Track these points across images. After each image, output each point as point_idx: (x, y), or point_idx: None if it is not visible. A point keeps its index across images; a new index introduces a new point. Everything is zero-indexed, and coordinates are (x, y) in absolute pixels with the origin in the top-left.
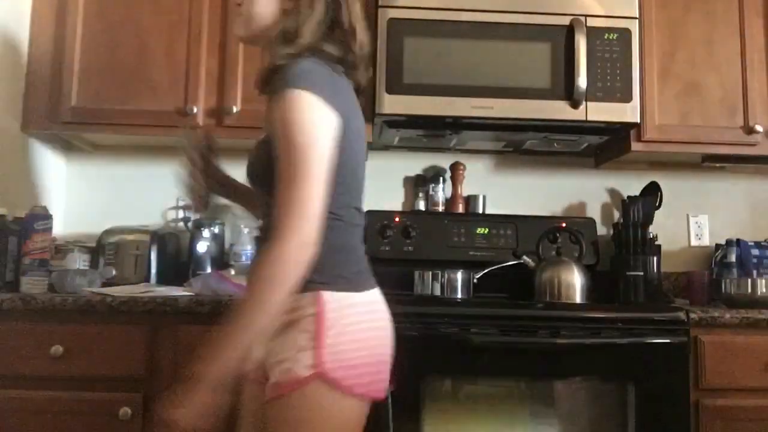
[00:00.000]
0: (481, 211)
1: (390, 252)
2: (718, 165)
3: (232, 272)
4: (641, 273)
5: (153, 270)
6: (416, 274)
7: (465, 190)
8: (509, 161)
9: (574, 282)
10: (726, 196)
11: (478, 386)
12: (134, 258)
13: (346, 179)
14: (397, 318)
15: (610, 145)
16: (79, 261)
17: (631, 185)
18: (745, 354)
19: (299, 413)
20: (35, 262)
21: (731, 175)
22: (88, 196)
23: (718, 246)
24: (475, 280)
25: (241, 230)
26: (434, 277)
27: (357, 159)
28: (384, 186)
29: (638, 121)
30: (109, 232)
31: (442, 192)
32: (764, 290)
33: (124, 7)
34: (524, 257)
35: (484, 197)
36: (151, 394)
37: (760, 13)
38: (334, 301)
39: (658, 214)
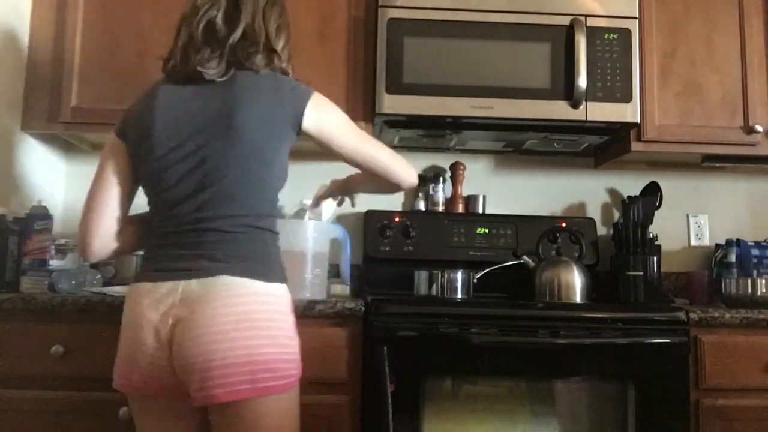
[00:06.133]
0: (481, 211)
1: (390, 252)
2: (718, 165)
3: None
4: (641, 273)
5: None
6: (416, 274)
7: (465, 190)
8: (509, 161)
9: (574, 282)
10: (726, 196)
11: (478, 386)
12: (134, 258)
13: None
14: (398, 318)
15: (610, 145)
16: (79, 261)
17: (631, 185)
18: (745, 354)
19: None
20: (35, 262)
21: (731, 175)
22: None
23: (718, 246)
24: (475, 280)
25: None
26: (434, 277)
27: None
28: None
29: (638, 121)
30: None
31: (442, 192)
32: (764, 290)
33: (124, 7)
34: (524, 257)
35: (484, 197)
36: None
37: (760, 13)
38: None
39: (658, 214)
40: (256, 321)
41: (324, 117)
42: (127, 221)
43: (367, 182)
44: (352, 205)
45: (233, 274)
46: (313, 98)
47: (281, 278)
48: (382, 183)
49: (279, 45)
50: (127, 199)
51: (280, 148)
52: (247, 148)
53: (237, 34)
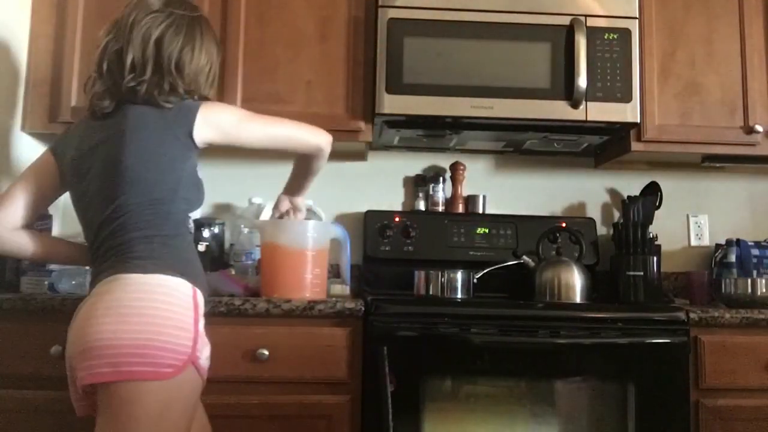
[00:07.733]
0: (481, 211)
1: (390, 252)
2: (718, 165)
3: (233, 272)
4: (641, 273)
5: None
6: (416, 274)
7: (465, 190)
8: (509, 161)
9: (574, 282)
10: (726, 196)
11: (478, 386)
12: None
13: None
14: (398, 318)
15: (610, 145)
16: None
17: (631, 185)
18: (745, 354)
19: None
20: None
21: (731, 175)
22: None
23: (718, 246)
24: (475, 280)
25: (241, 230)
26: (434, 277)
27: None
28: (384, 186)
29: (638, 121)
30: None
31: (442, 192)
32: (764, 290)
33: (124, 7)
34: (524, 257)
35: (484, 197)
36: None
37: (760, 13)
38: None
39: (658, 214)
40: (129, 307)
41: (216, 123)
42: (44, 235)
43: (295, 174)
44: (302, 212)
45: (126, 271)
46: (201, 111)
47: (188, 275)
48: (304, 159)
49: (183, 72)
50: (36, 205)
51: (180, 173)
52: (139, 194)
53: (126, 68)
